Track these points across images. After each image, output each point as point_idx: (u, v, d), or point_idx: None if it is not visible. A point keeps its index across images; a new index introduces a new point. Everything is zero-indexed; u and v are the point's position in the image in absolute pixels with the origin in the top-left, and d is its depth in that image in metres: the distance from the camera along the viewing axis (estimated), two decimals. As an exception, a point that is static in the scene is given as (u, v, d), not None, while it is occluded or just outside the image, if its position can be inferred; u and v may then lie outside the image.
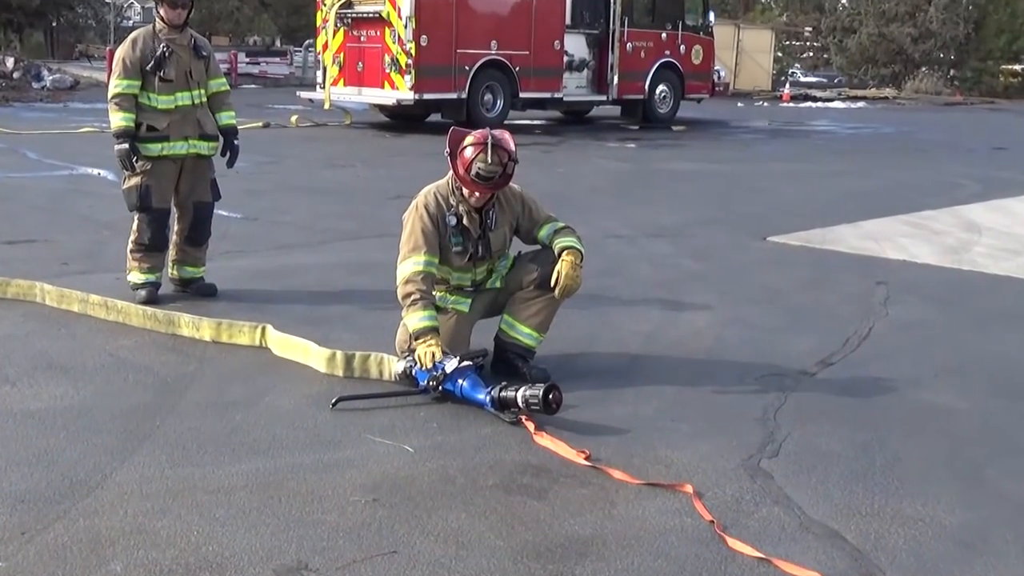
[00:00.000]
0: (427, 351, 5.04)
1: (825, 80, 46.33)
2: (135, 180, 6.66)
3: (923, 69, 43.22)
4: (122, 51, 6.69)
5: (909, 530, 3.89)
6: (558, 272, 5.31)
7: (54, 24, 44.58)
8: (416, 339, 5.12)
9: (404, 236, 5.32)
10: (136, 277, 6.78)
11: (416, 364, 5.10)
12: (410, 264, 5.24)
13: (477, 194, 5.28)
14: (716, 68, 24.84)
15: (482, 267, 5.51)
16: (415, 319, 5.14)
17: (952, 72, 44.61)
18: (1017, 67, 43.61)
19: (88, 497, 3.97)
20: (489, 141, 5.17)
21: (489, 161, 5.15)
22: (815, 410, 5.14)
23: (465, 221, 5.33)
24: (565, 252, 5.35)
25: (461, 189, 5.30)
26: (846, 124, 25.66)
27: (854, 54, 44.52)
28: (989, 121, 29.05)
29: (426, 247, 5.24)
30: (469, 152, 5.19)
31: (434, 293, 5.36)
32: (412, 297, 5.17)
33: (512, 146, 5.25)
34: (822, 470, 4.41)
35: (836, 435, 4.81)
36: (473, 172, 5.18)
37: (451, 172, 5.33)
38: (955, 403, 5.35)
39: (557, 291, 5.33)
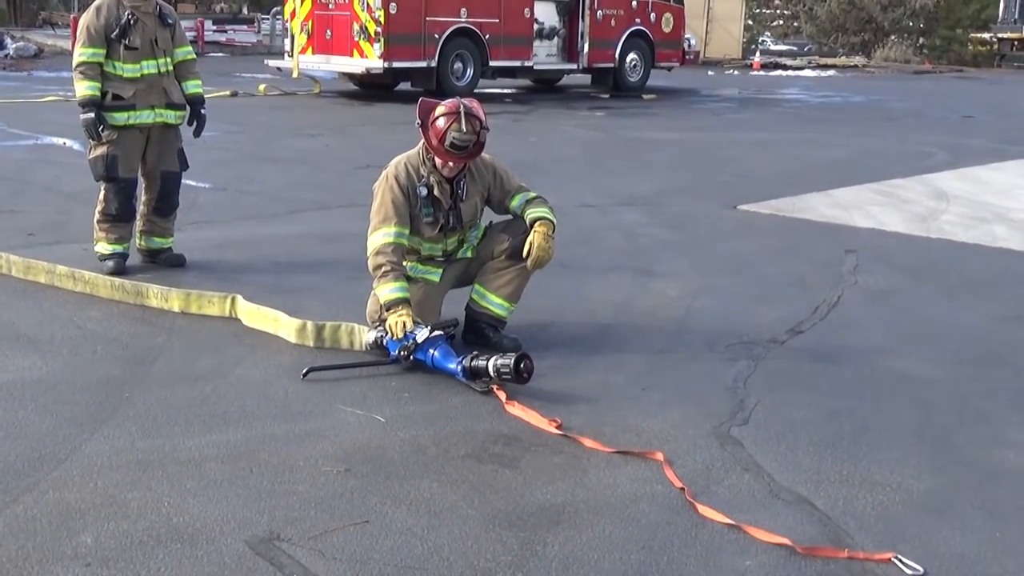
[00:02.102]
0: (398, 321, 5.03)
1: (795, 48, 46.36)
2: (101, 150, 6.59)
3: (893, 37, 43.30)
4: (86, 19, 6.60)
5: (877, 496, 3.93)
6: (530, 243, 5.30)
7: (17, -9, 43.90)
8: (387, 310, 5.11)
9: (374, 207, 5.30)
10: (103, 248, 6.73)
11: (387, 334, 5.09)
12: (380, 235, 5.21)
13: (451, 164, 5.26)
14: (687, 36, 24.76)
15: (453, 237, 5.49)
16: (386, 290, 5.13)
17: (921, 40, 44.74)
18: (986, 35, 43.76)
19: (57, 469, 3.94)
20: (461, 110, 5.14)
21: (463, 130, 5.12)
22: (785, 378, 5.17)
23: (436, 192, 5.31)
24: (537, 223, 5.35)
25: (433, 159, 5.28)
26: (816, 93, 25.71)
27: (824, 22, 44.56)
28: (958, 89, 29.19)
29: (396, 218, 5.22)
30: (442, 122, 5.16)
31: (405, 263, 5.34)
32: (383, 269, 5.15)
33: (483, 114, 5.23)
34: (791, 437, 4.44)
35: (805, 403, 4.85)
36: (447, 142, 5.15)
37: (422, 142, 5.31)
38: (924, 371, 5.39)
39: (529, 262, 5.33)
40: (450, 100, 5.30)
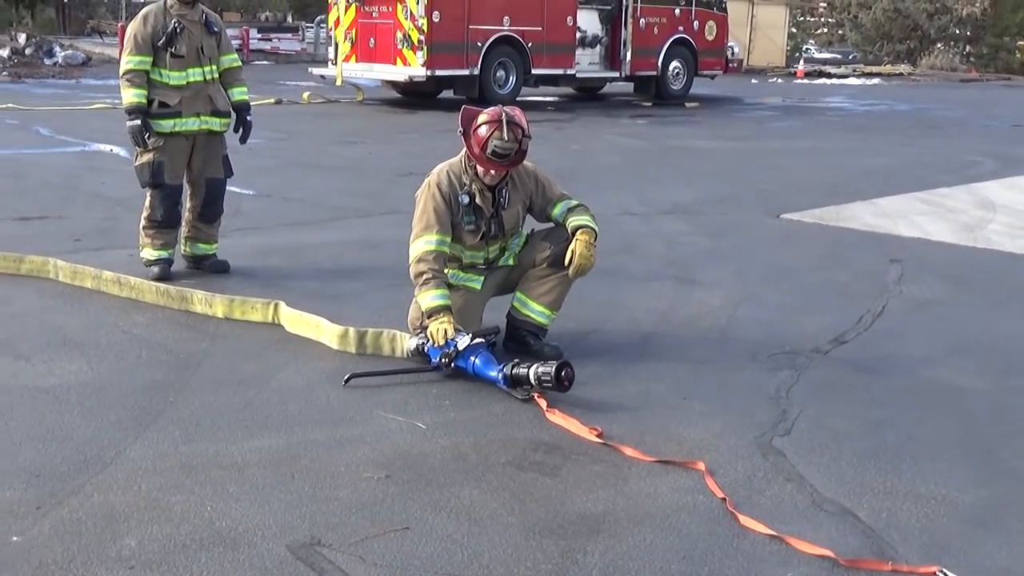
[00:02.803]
0: (440, 328, 5.04)
1: (839, 56, 46.01)
2: (147, 156, 6.67)
3: (939, 45, 42.93)
4: (133, 27, 6.68)
5: (922, 508, 3.89)
6: (572, 251, 5.30)
7: (65, 0, 44.54)
8: (429, 317, 5.12)
9: (416, 215, 5.31)
10: (149, 254, 6.80)
11: (428, 341, 5.10)
12: (422, 243, 5.23)
13: (492, 172, 5.26)
14: (730, 44, 24.68)
15: (495, 245, 5.50)
16: (428, 298, 5.14)
17: (968, 48, 44.30)
18: (1034, 43, 43.27)
19: (102, 472, 3.99)
20: (504, 118, 5.14)
21: (505, 138, 5.12)
22: (828, 388, 5.13)
23: (478, 200, 5.31)
24: (579, 231, 5.34)
25: (475, 167, 5.28)
26: (861, 101, 25.52)
27: (869, 30, 44.25)
28: (1005, 98, 28.86)
29: (438, 226, 5.23)
30: (484, 130, 5.15)
31: (446, 271, 5.35)
32: (424, 276, 5.16)
33: (525, 122, 5.23)
34: (835, 448, 4.40)
35: (849, 413, 4.80)
36: (489, 150, 5.15)
37: (464, 150, 5.31)
38: (969, 382, 5.33)
39: (571, 270, 5.33)
40: (492, 108, 5.29)
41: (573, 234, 5.35)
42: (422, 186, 5.38)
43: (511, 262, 5.58)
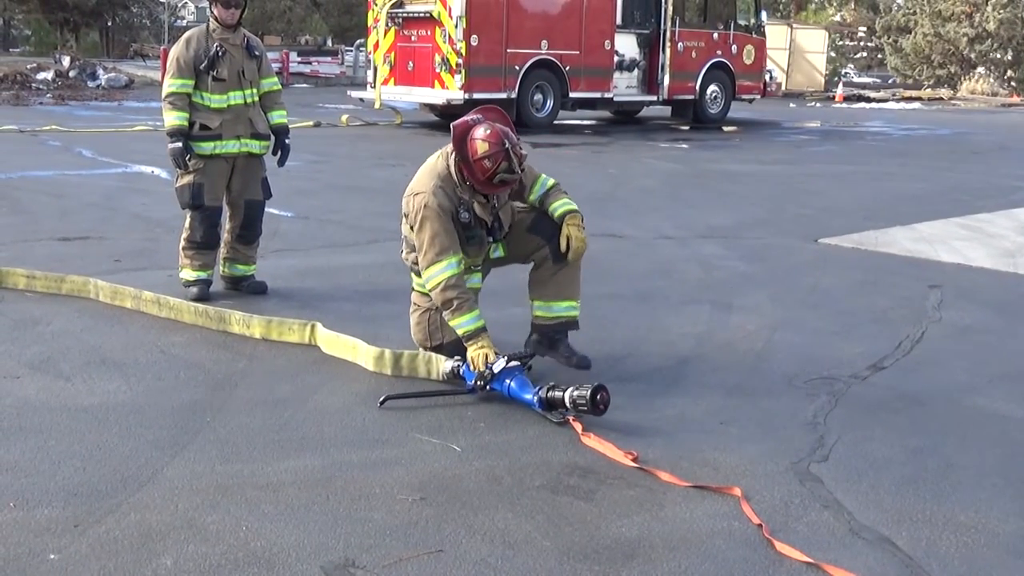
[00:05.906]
0: (480, 353, 5.08)
1: (879, 81, 45.78)
2: (188, 178, 6.73)
3: (979, 70, 42.55)
4: (176, 51, 6.76)
5: (962, 537, 3.84)
6: (567, 238, 5.43)
7: (109, 24, 45.15)
8: (466, 341, 5.15)
9: (426, 239, 5.23)
10: (188, 274, 6.85)
11: (464, 364, 5.12)
12: (443, 268, 5.21)
13: (501, 192, 5.39)
14: (768, 68, 24.65)
15: (494, 245, 5.59)
16: (463, 322, 5.17)
17: (1009, 73, 43.91)
18: (1076, 68, 42.80)
19: (139, 491, 4.01)
20: (507, 147, 5.18)
21: (513, 170, 5.23)
22: (866, 414, 5.09)
23: (479, 212, 5.38)
24: (567, 217, 5.46)
25: (472, 186, 5.32)
26: (900, 125, 25.36)
27: (909, 54, 43.93)
28: (1047, 123, 28.56)
29: (452, 246, 5.25)
30: (488, 163, 5.19)
31: None
32: (455, 303, 5.19)
33: (515, 137, 5.30)
34: (873, 475, 4.36)
35: (887, 440, 4.76)
36: (497, 179, 5.24)
37: (452, 164, 5.30)
38: (1010, 410, 5.26)
39: (571, 256, 5.45)
40: (485, 132, 5.23)
41: (561, 221, 5.46)
42: (417, 207, 5.26)
43: (501, 252, 5.65)
